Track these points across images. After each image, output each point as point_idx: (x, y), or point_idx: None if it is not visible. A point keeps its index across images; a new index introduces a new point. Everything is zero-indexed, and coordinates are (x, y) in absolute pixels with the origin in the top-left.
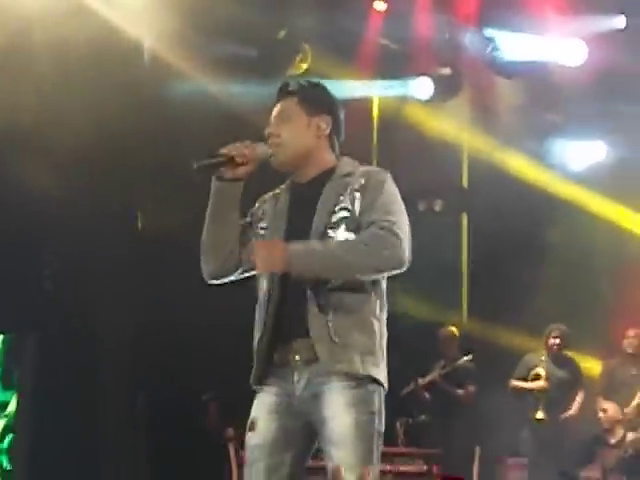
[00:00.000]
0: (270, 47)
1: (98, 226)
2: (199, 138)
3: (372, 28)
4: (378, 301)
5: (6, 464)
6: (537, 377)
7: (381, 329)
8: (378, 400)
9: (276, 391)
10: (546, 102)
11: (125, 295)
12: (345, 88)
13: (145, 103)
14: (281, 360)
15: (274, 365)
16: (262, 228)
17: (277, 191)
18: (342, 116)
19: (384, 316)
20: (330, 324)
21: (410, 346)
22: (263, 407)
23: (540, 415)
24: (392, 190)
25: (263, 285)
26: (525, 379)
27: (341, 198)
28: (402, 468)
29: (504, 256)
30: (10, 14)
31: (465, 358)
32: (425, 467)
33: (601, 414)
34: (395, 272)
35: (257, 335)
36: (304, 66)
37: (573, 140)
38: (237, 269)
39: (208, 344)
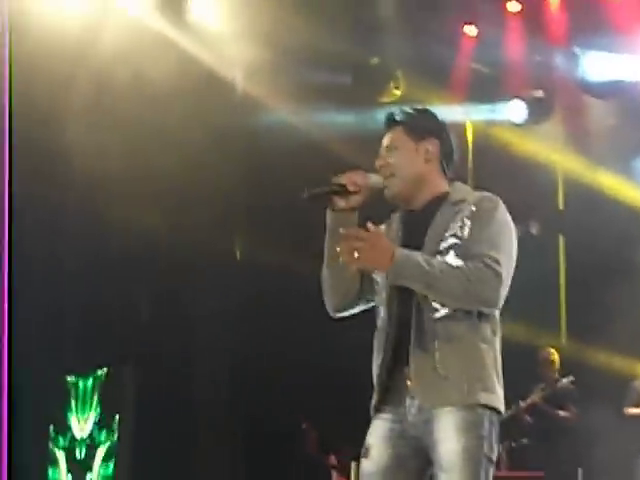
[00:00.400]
0: (364, 74)
1: (197, 260)
2: (293, 169)
3: (463, 53)
4: (489, 326)
5: None
6: None
7: (493, 354)
8: (488, 424)
9: (390, 417)
10: (638, 121)
11: (223, 327)
12: (439, 113)
13: (237, 135)
14: (395, 386)
15: (390, 392)
16: None
17: (389, 220)
18: (452, 139)
19: (497, 340)
20: (437, 354)
21: (509, 369)
22: (377, 434)
23: None
24: (502, 219)
25: (381, 312)
26: (638, 405)
27: (452, 225)
28: None
29: (601, 278)
30: (97, 51)
31: (565, 380)
32: None
33: None
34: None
35: (377, 362)
36: (398, 93)
37: None
38: (360, 300)
39: (306, 373)
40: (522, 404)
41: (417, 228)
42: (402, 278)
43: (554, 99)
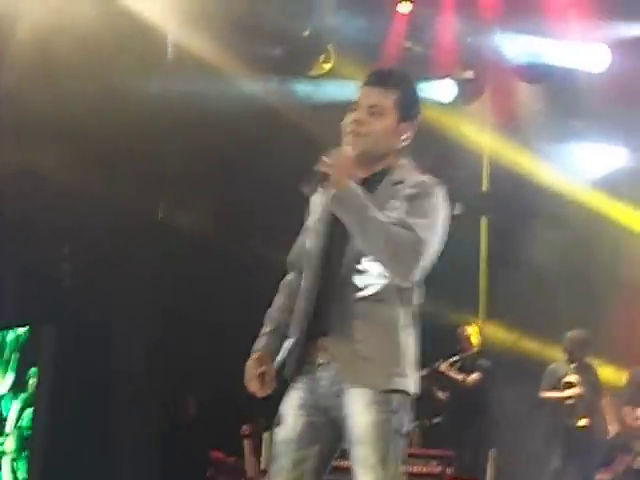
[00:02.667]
0: (295, 46)
1: (119, 219)
2: (221, 133)
3: (396, 30)
4: (410, 311)
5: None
6: (570, 385)
7: (412, 339)
8: (398, 401)
9: (303, 387)
10: (568, 107)
11: (142, 288)
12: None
13: (168, 99)
14: (309, 357)
15: (303, 362)
16: (314, 220)
17: None
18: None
19: (413, 328)
20: (357, 334)
21: (430, 345)
22: (291, 403)
23: (583, 422)
24: (435, 202)
25: (305, 281)
26: (556, 389)
27: (387, 205)
28: (416, 469)
29: (522, 259)
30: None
31: (473, 350)
32: (439, 468)
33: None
34: (397, 279)
35: (293, 332)
36: (327, 66)
37: (593, 146)
38: None
39: (221, 336)
40: (424, 371)
41: None
42: (343, 206)
43: (484, 80)
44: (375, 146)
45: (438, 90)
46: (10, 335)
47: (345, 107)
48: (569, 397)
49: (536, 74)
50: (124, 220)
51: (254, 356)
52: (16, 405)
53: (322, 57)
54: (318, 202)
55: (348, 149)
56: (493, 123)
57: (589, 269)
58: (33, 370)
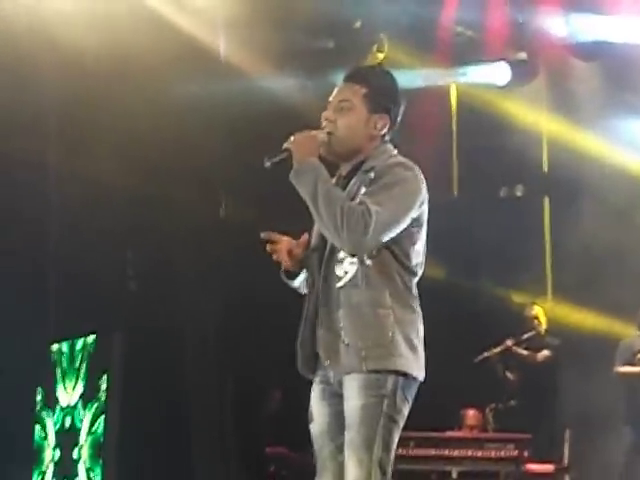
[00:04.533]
0: (346, 38)
1: (181, 221)
2: (277, 131)
3: (447, 15)
4: (392, 293)
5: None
6: None
7: (395, 318)
8: (392, 384)
9: (321, 379)
10: (624, 83)
11: (209, 287)
12: (422, 76)
13: (221, 99)
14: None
15: (314, 358)
16: None
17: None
18: (401, 111)
19: (405, 308)
20: (340, 322)
21: (498, 329)
22: (315, 396)
23: None
24: (395, 179)
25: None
26: (631, 364)
27: (357, 193)
28: (493, 454)
29: (588, 239)
30: (71, 18)
31: (540, 329)
32: (516, 452)
33: None
34: (346, 250)
35: (300, 331)
36: (381, 56)
37: None
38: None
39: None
40: (494, 349)
41: None
42: (299, 180)
43: (538, 61)
44: (346, 140)
45: (493, 73)
46: (79, 344)
47: (402, 95)
48: None
49: (590, 51)
50: (186, 222)
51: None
52: (88, 414)
53: (375, 47)
54: None
55: (316, 132)
56: (550, 103)
57: None
58: (103, 378)
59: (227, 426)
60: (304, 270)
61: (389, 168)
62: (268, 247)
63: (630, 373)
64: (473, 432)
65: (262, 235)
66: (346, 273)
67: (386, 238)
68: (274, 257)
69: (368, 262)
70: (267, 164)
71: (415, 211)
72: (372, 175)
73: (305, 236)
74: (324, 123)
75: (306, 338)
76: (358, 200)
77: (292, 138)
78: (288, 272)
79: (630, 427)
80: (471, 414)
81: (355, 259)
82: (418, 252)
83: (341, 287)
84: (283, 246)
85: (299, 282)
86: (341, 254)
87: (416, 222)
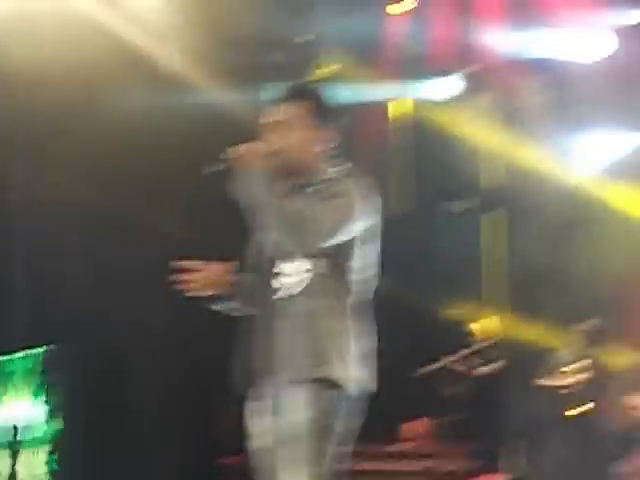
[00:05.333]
0: (296, 52)
1: (123, 235)
2: (227, 144)
3: (395, 29)
4: (329, 306)
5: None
6: (571, 373)
7: (333, 329)
8: (328, 398)
9: (256, 396)
10: (573, 97)
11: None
12: (371, 90)
13: (171, 113)
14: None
15: (253, 370)
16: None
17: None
18: (343, 126)
19: (347, 318)
20: (275, 333)
21: (440, 343)
22: (250, 412)
23: (579, 410)
24: (338, 191)
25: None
26: (554, 376)
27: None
28: (442, 467)
29: (540, 252)
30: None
31: (486, 343)
32: (463, 465)
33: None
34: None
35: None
36: (329, 70)
37: (601, 133)
38: None
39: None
40: (438, 363)
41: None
42: (241, 187)
43: (486, 76)
44: (291, 158)
45: (441, 87)
46: (29, 357)
47: (350, 110)
48: (566, 385)
49: (537, 66)
50: (135, 234)
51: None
52: (39, 426)
53: (324, 61)
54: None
55: (259, 144)
56: (497, 117)
57: (600, 258)
58: (52, 391)
59: (178, 437)
60: (236, 295)
61: (332, 181)
62: (180, 277)
63: (551, 386)
64: (414, 444)
65: (175, 264)
66: (282, 286)
67: (327, 242)
68: (189, 290)
69: (306, 274)
70: (206, 172)
71: (355, 224)
72: (315, 188)
73: (231, 264)
74: (266, 145)
75: (243, 352)
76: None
77: (233, 148)
78: (216, 297)
79: (560, 431)
80: (409, 427)
81: (292, 271)
82: (357, 268)
83: (279, 298)
84: (206, 274)
85: (229, 307)
86: (279, 267)
87: (356, 237)
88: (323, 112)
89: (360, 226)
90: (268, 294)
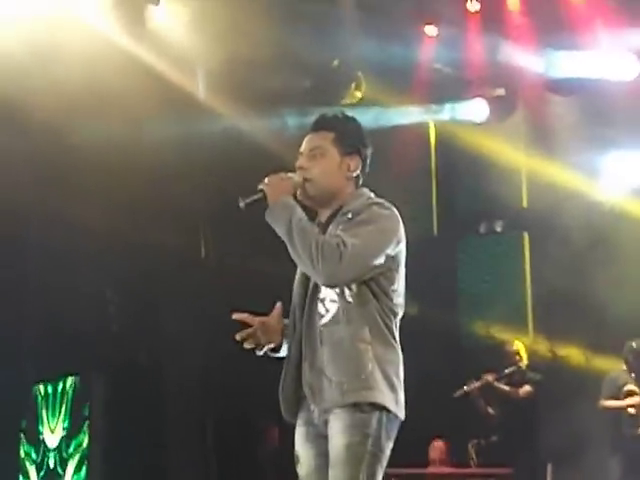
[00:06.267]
0: (324, 77)
1: (165, 266)
2: (255, 172)
3: (424, 53)
4: (369, 329)
5: None
6: (631, 393)
7: (375, 353)
8: (376, 422)
9: (305, 421)
10: (601, 118)
11: (190, 325)
12: (400, 114)
13: (200, 140)
14: (303, 393)
15: (299, 399)
16: None
17: None
18: (369, 153)
19: (383, 346)
20: (324, 358)
21: (478, 364)
22: (300, 440)
23: None
24: (371, 216)
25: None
26: (616, 398)
27: (337, 231)
28: None
29: (568, 273)
30: (51, 58)
31: (521, 364)
32: None
33: None
34: (321, 282)
35: (283, 371)
36: (359, 94)
37: (630, 154)
38: None
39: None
40: (475, 383)
41: None
42: (275, 219)
43: (516, 97)
44: (322, 184)
45: (471, 110)
46: (60, 385)
47: (380, 134)
48: (630, 406)
49: (567, 87)
50: (167, 262)
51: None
52: (72, 457)
53: (353, 85)
54: None
55: (291, 174)
56: (528, 139)
57: (634, 279)
58: (85, 419)
59: (211, 468)
60: (287, 338)
61: (366, 207)
62: (239, 336)
63: (614, 407)
64: (437, 466)
65: (234, 316)
66: (327, 311)
67: (362, 271)
68: (246, 345)
69: (349, 299)
70: (241, 204)
71: (391, 249)
72: (350, 215)
73: (278, 306)
74: (298, 173)
75: (288, 381)
76: (335, 234)
77: (266, 179)
78: (273, 349)
79: (617, 458)
80: (435, 446)
81: (336, 297)
82: (398, 292)
83: (324, 325)
84: (259, 327)
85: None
86: (322, 293)
87: (393, 261)
88: (350, 139)
89: (397, 249)
90: (313, 320)
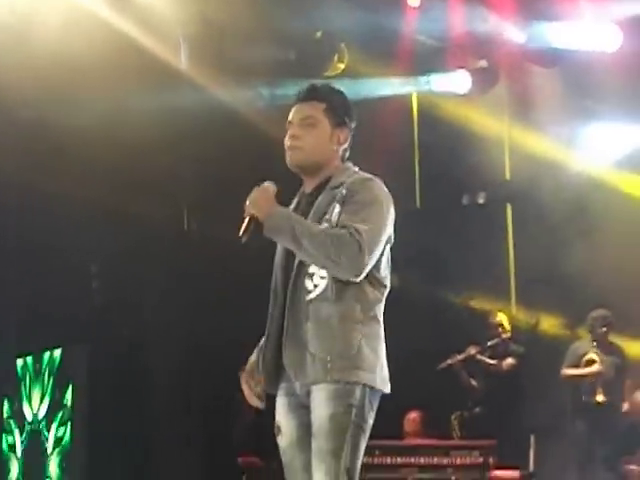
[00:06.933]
0: (307, 49)
1: (145, 233)
2: (238, 144)
3: (407, 24)
4: (360, 307)
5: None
6: (590, 362)
7: (362, 333)
8: (360, 394)
9: (286, 392)
10: (583, 89)
11: (174, 298)
12: (383, 86)
13: (182, 112)
14: (283, 365)
15: (280, 370)
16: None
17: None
18: (354, 127)
19: (370, 321)
20: (307, 334)
21: (462, 336)
22: (281, 410)
23: (600, 398)
24: (371, 196)
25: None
26: (577, 366)
27: (328, 209)
28: (459, 461)
29: (550, 244)
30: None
31: (503, 336)
32: (481, 459)
33: None
34: (346, 277)
35: (264, 344)
36: (341, 66)
37: (611, 125)
38: None
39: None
40: (458, 356)
41: (303, 213)
42: (274, 230)
43: (498, 69)
44: (313, 156)
45: (453, 81)
46: (45, 358)
47: (362, 106)
48: (589, 374)
49: (549, 58)
50: (150, 235)
51: (242, 376)
52: (54, 427)
53: (336, 57)
54: None
55: (266, 183)
56: (510, 110)
57: (614, 250)
58: (69, 391)
59: (196, 436)
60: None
61: (360, 184)
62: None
63: (574, 375)
64: (411, 438)
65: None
66: (316, 287)
67: (378, 253)
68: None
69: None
70: (244, 239)
71: (390, 226)
72: (343, 191)
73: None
74: (289, 141)
75: (268, 356)
76: (340, 223)
77: (247, 203)
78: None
79: (579, 420)
80: (409, 419)
81: (326, 273)
82: (386, 265)
83: (310, 300)
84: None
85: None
86: (311, 268)
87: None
88: (340, 111)
89: (390, 227)
90: (299, 295)
